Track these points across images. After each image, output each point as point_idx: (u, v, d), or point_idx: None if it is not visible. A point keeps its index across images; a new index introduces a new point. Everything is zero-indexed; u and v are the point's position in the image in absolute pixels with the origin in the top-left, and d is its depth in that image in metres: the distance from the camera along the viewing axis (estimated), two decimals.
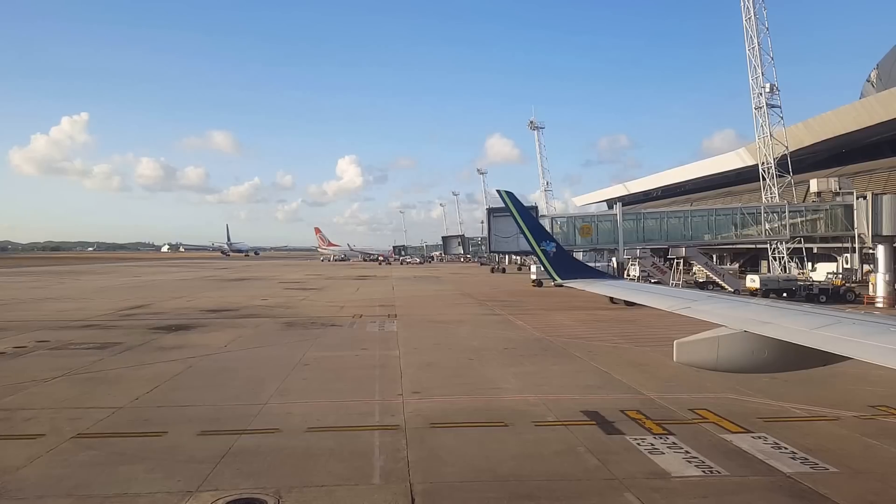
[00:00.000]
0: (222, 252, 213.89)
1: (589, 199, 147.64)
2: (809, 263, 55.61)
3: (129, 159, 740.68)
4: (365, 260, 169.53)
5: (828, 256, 60.49)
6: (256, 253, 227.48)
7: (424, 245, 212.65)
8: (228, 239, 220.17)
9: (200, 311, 38.33)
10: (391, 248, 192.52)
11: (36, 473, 10.96)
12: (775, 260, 54.74)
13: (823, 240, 56.59)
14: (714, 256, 72.34)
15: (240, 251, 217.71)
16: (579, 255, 49.34)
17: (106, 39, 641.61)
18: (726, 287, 49.33)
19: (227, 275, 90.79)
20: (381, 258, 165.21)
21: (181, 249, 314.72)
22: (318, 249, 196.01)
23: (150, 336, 27.63)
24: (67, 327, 30.48)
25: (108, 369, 20.28)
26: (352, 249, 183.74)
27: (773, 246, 54.62)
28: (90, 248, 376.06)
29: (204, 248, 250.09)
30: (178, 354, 23.01)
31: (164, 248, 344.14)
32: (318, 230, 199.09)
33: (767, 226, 51.87)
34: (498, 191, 20.93)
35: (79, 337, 27.27)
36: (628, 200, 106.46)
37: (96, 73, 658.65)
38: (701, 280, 54.25)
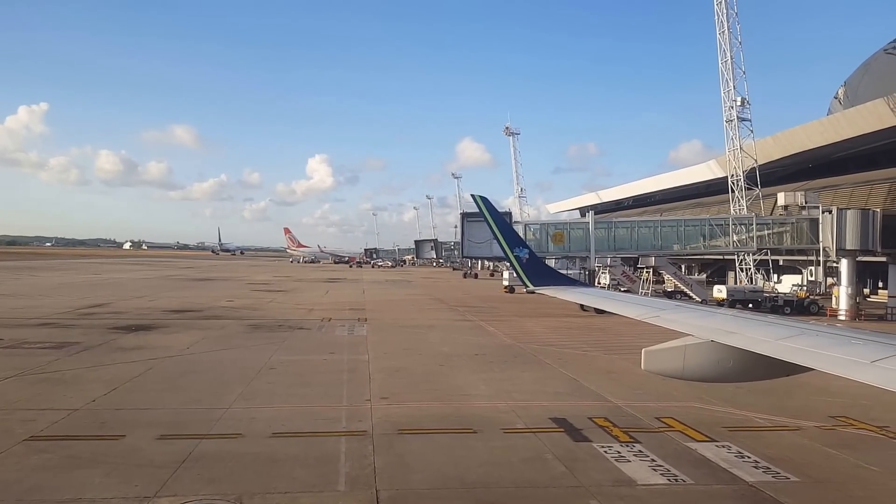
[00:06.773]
0: (213, 251, 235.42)
1: (562, 206, 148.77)
2: (775, 275, 56.75)
3: (87, 152, 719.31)
4: (336, 262, 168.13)
5: (793, 269, 61.86)
6: (242, 252, 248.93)
7: (397, 248, 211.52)
8: (220, 240, 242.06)
9: (163, 312, 37.49)
10: (363, 250, 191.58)
11: None
12: (742, 271, 55.76)
13: (789, 252, 57.83)
14: (683, 266, 73.45)
15: (227, 251, 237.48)
16: (552, 262, 49.62)
17: (65, 27, 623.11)
18: (694, 297, 50.12)
19: (191, 274, 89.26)
20: (352, 261, 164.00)
21: (144, 247, 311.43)
22: (288, 250, 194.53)
23: (110, 336, 26.89)
24: (22, 325, 29.50)
25: (64, 370, 19.64)
26: (322, 251, 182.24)
27: (741, 257, 55.64)
28: (48, 244, 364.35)
29: (168, 247, 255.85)
30: (138, 356, 22.42)
31: (126, 245, 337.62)
32: (287, 231, 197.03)
33: (735, 237, 52.77)
34: (472, 195, 20.83)
35: (34, 336, 26.40)
36: (600, 209, 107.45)
37: (53, 61, 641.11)
38: (669, 289, 55.05)
